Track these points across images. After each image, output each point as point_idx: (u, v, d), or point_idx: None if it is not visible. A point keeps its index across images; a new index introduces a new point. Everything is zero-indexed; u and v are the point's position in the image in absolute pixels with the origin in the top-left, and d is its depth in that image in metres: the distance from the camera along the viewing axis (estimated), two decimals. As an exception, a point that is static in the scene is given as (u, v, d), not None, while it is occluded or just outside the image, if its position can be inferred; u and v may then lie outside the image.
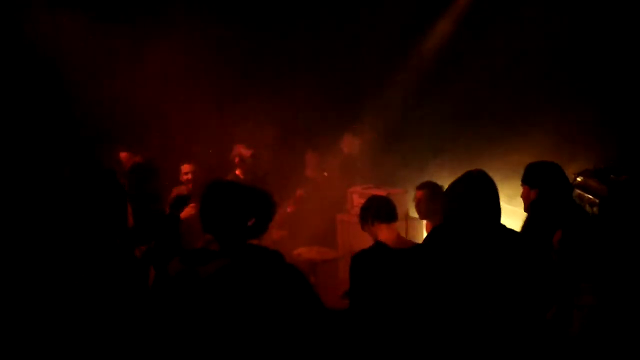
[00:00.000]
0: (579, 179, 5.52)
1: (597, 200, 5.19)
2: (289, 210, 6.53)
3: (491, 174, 3.62)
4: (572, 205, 4.39)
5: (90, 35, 6.84)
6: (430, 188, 5.21)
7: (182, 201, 4.58)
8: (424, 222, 5.57)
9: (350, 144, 7.48)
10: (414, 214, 6.17)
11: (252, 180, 6.54)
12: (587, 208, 5.27)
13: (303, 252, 6.45)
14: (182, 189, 6.05)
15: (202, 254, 2.99)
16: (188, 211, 4.91)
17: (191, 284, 2.87)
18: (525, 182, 4.40)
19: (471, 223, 3.48)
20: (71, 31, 6.83)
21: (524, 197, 4.41)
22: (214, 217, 3.06)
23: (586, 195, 5.35)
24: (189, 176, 6.25)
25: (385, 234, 4.34)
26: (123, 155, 6.48)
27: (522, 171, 4.47)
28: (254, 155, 6.62)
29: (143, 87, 6.68)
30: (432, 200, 5.16)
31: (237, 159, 6.63)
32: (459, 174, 3.62)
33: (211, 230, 3.06)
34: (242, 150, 6.62)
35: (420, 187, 5.23)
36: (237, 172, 6.66)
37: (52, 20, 6.77)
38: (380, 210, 4.48)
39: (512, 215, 5.87)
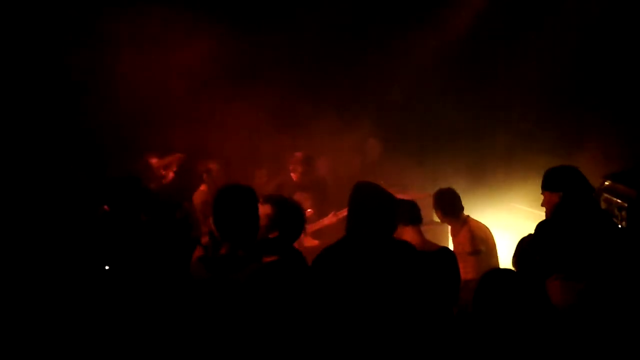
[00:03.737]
0: (607, 182, 5.42)
1: (626, 204, 5.10)
2: (327, 222, 6.51)
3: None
4: (596, 210, 4.33)
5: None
6: (433, 197, 5.27)
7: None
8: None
9: (372, 149, 7.43)
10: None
11: (309, 183, 6.57)
12: (616, 212, 5.17)
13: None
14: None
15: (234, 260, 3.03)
16: None
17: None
18: (546, 187, 4.31)
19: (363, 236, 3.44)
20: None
21: (546, 203, 4.32)
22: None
23: (614, 199, 5.25)
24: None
25: (410, 236, 4.31)
26: (154, 161, 6.50)
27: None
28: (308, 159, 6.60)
29: (167, 89, 6.71)
30: (436, 208, 5.14)
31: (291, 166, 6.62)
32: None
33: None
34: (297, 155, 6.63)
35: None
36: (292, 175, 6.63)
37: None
38: (403, 213, 4.44)
39: (537, 220, 5.80)
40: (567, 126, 7.12)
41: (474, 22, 7.64)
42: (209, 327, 2.97)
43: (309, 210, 6.49)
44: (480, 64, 7.66)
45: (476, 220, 5.29)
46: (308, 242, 6.29)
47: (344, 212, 6.40)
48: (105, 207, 4.50)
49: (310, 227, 6.43)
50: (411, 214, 4.51)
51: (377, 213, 3.44)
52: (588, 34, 7.00)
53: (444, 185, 5.51)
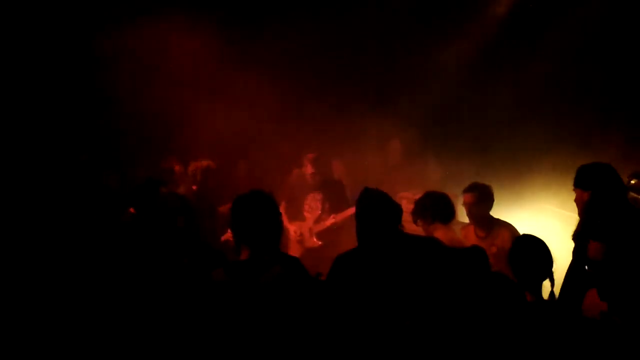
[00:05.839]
0: (632, 181, 5.34)
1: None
2: (327, 223, 6.60)
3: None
4: (627, 208, 4.28)
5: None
6: (478, 190, 5.12)
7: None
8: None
9: (395, 150, 7.43)
10: (462, 218, 6.10)
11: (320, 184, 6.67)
12: (643, 211, 5.08)
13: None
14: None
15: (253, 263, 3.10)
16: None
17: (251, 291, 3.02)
18: (577, 185, 4.30)
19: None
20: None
21: (577, 201, 4.31)
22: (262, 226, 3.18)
23: (640, 197, 5.18)
24: None
25: (442, 233, 4.31)
26: (175, 164, 6.63)
27: (573, 174, 4.39)
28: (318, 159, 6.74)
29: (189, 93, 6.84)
30: (480, 203, 5.06)
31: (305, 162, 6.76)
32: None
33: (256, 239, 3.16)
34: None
35: (467, 190, 5.15)
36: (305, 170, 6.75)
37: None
38: (442, 211, 4.44)
39: (566, 220, 5.75)
40: (593, 126, 7.03)
41: (499, 22, 7.62)
42: (237, 329, 3.04)
43: (305, 214, 6.64)
44: (505, 65, 7.57)
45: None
46: (311, 243, 6.40)
47: (344, 214, 6.50)
48: (132, 209, 4.63)
49: (315, 228, 6.55)
50: (443, 211, 4.49)
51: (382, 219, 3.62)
52: (614, 34, 6.90)
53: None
